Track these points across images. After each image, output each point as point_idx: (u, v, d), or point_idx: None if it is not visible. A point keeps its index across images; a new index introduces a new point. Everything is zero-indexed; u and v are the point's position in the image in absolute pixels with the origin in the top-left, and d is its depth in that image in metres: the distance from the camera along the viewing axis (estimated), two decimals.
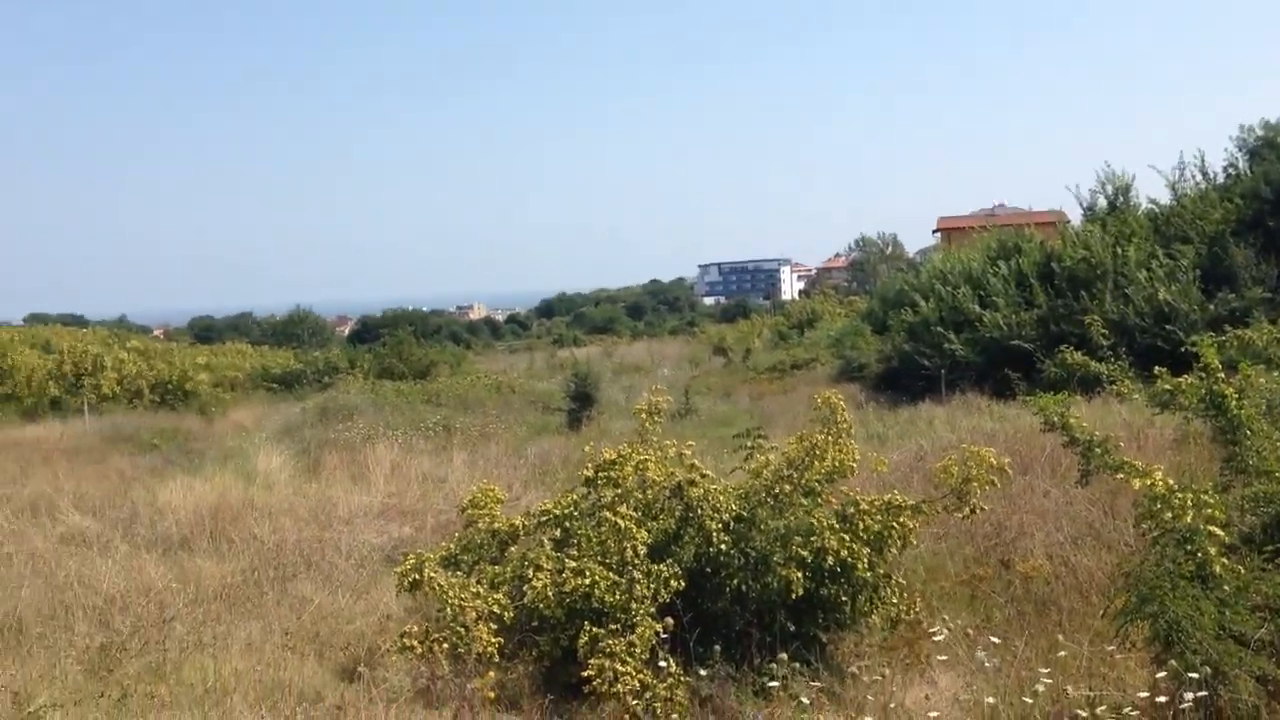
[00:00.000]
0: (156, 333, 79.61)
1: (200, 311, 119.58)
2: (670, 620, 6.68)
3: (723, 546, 7.09)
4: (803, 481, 7.54)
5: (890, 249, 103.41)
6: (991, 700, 5.57)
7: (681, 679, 6.48)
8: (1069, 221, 29.78)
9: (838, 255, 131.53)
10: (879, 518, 7.29)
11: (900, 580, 7.57)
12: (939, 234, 55.10)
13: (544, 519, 7.49)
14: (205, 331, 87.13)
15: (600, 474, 7.46)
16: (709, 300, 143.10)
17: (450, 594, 6.79)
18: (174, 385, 34.57)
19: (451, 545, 7.74)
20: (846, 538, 7.10)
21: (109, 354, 35.01)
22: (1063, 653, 6.12)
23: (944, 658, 6.53)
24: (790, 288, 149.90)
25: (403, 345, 40.43)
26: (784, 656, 6.15)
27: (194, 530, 12.02)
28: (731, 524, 7.22)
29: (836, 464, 7.60)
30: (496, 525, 7.59)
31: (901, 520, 7.33)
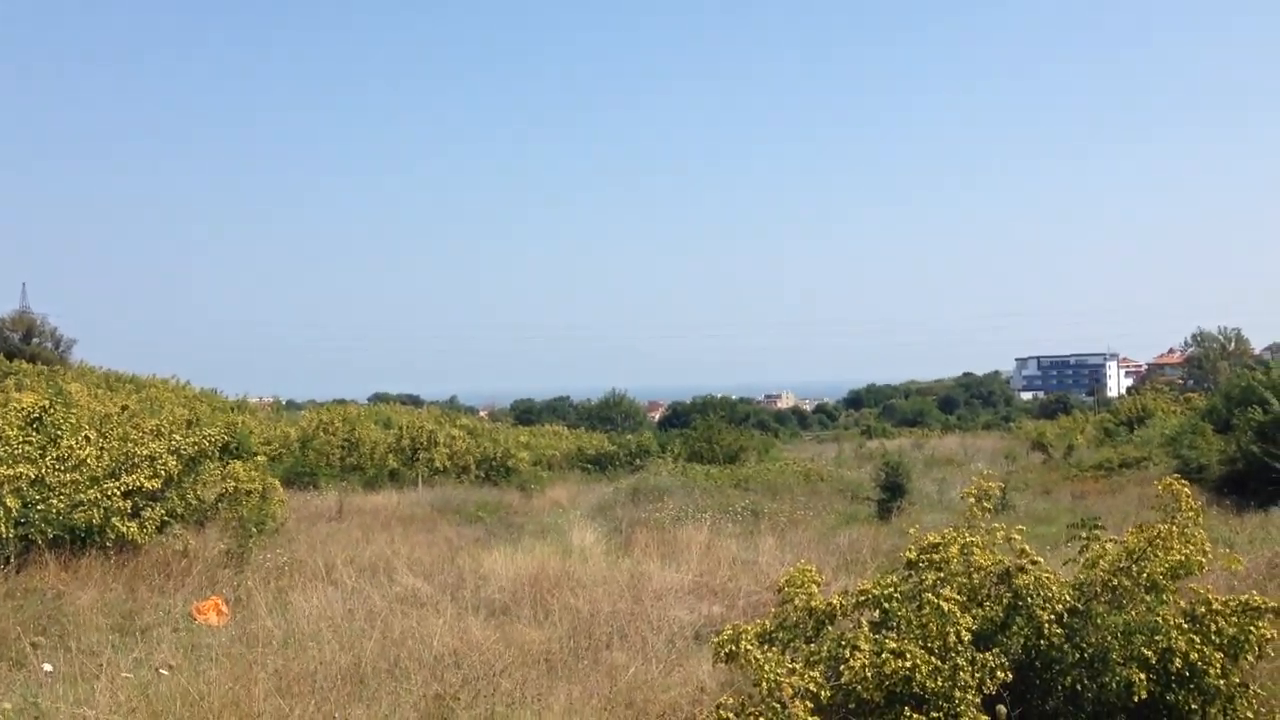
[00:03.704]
0: (482, 413, 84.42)
1: (522, 394, 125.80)
2: (1002, 709, 6.34)
3: (1054, 640, 6.70)
4: (1144, 576, 7.03)
5: (1233, 344, 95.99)
6: None
7: None
8: None
9: (1171, 350, 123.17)
10: (1234, 620, 6.68)
11: (1258, 690, 6.87)
12: None
13: (862, 599, 7.32)
14: (526, 413, 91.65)
15: (923, 556, 7.24)
16: (1026, 395, 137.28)
17: (766, 669, 6.74)
18: (497, 462, 36.56)
19: (767, 622, 7.69)
20: (1196, 639, 6.54)
21: (441, 431, 37.43)
22: None
23: None
24: (1117, 384, 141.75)
25: (712, 430, 41.00)
26: None
27: (515, 597, 12.54)
28: (1064, 616, 6.81)
29: (1182, 558, 7.04)
30: (813, 603, 7.49)
31: (1260, 625, 6.68)
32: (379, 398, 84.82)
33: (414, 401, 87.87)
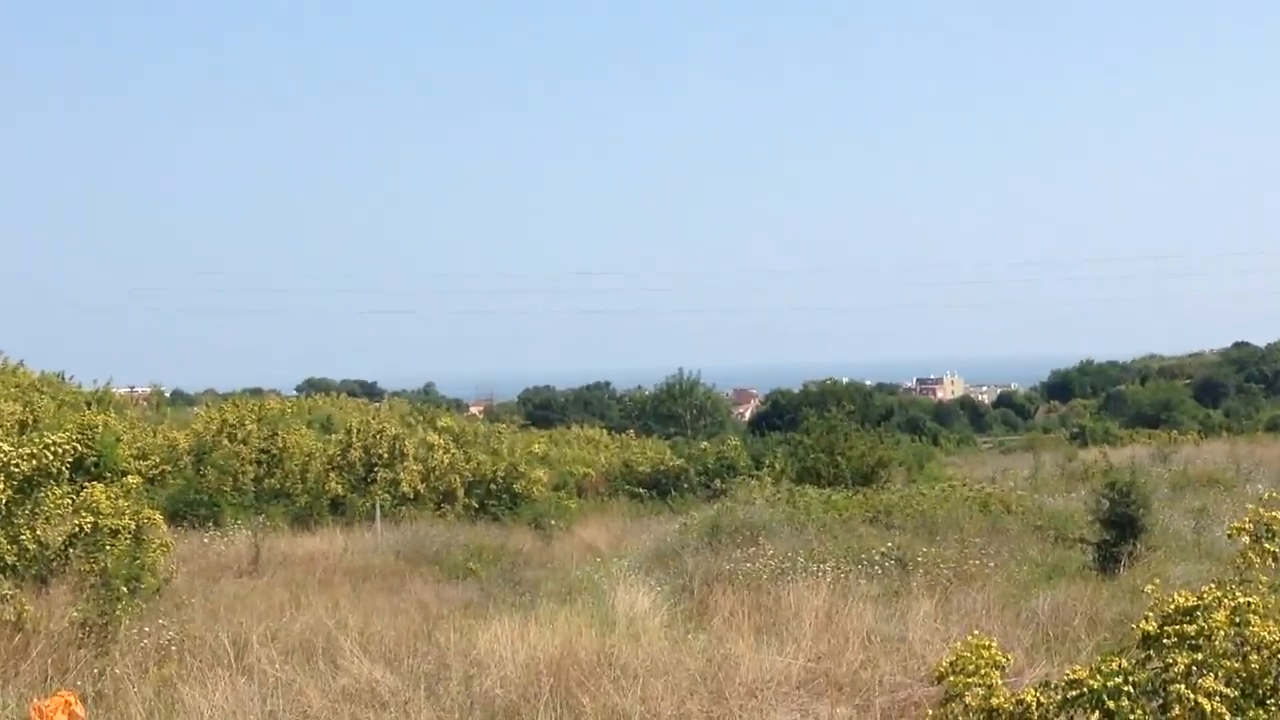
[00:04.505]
0: (474, 409, 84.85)
1: (535, 379, 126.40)
2: None
3: None
4: None
5: None
6: None
7: None
8: None
9: None
10: None
11: None
12: None
13: (1074, 695, 7.31)
14: (543, 409, 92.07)
15: (1169, 628, 7.20)
16: None
17: None
18: (499, 485, 36.72)
19: None
20: None
21: (411, 437, 37.63)
22: None
23: None
24: None
25: (836, 435, 40.91)
26: None
27: (527, 693, 12.60)
28: None
29: None
30: (995, 701, 7.48)
31: None
32: (313, 386, 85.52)
33: (369, 392, 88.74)
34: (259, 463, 34.42)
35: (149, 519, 17.64)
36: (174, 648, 14.36)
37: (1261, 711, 6.99)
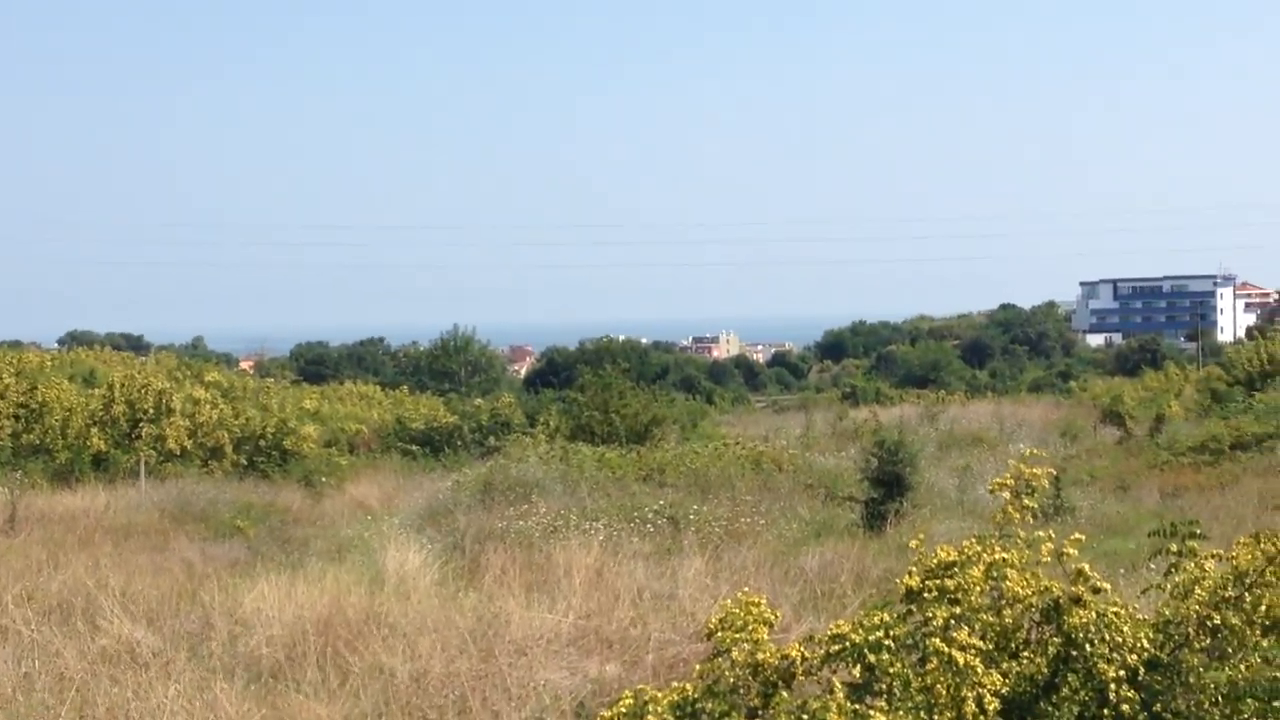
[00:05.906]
0: (244, 364, 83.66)
1: (309, 334, 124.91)
2: None
3: (1126, 708, 6.88)
4: (1260, 610, 7.24)
5: None
6: None
7: None
8: None
9: None
10: None
11: None
12: None
13: (836, 649, 7.42)
14: (315, 365, 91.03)
15: (930, 583, 7.34)
16: (1095, 339, 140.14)
17: None
18: (268, 441, 36.26)
19: (689, 686, 7.76)
20: None
21: (178, 393, 36.95)
22: None
23: None
24: (1232, 322, 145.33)
25: (610, 393, 41.11)
26: None
27: (293, 653, 12.51)
28: (1141, 672, 7.00)
29: None
30: (760, 656, 7.57)
31: None
32: (76, 339, 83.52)
33: (134, 345, 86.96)
34: (17, 417, 33.57)
35: None
36: None
37: (1015, 664, 7.17)
